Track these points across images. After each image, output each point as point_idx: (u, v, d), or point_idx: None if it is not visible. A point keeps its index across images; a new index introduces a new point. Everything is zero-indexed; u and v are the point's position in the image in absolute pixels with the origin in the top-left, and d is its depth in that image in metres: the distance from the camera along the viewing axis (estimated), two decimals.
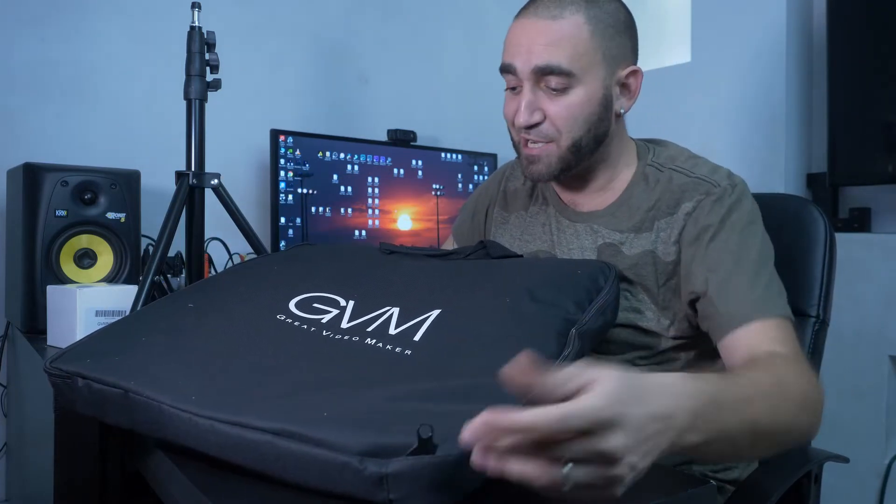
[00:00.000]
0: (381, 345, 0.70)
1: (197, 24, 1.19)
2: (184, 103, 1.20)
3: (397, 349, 0.68)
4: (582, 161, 0.96)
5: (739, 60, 1.89)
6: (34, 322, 1.24)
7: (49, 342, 1.14)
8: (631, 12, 0.97)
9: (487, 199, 1.18)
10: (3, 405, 1.55)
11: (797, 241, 1.07)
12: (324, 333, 0.73)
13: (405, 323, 0.73)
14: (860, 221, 1.73)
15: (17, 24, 1.57)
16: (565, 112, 0.92)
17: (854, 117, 1.67)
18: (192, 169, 1.19)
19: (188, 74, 1.19)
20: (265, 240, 1.64)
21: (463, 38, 2.28)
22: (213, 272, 1.70)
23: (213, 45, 1.20)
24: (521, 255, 0.91)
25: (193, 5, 1.19)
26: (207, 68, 1.19)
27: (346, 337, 0.72)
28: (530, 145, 0.95)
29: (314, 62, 1.99)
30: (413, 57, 2.18)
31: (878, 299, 1.60)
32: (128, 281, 1.31)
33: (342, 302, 0.79)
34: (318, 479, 0.56)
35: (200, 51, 1.18)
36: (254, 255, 1.45)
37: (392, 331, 0.72)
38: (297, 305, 0.79)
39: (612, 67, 0.94)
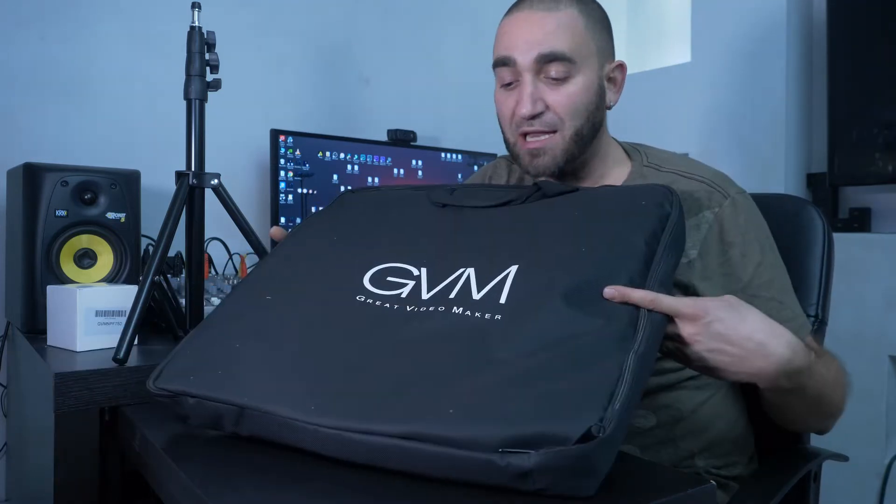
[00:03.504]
0: (469, 312, 0.68)
1: (197, 24, 1.19)
2: (184, 103, 1.20)
3: (486, 315, 0.67)
4: (583, 151, 0.97)
5: (739, 60, 1.89)
6: (34, 322, 1.24)
7: (49, 342, 1.14)
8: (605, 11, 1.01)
9: None
10: (3, 405, 1.55)
11: (796, 241, 1.08)
12: (408, 309, 0.71)
13: (486, 285, 0.70)
14: (860, 221, 1.73)
15: (17, 23, 1.57)
16: (567, 100, 0.93)
17: (854, 117, 1.67)
18: (192, 169, 1.19)
19: (188, 74, 1.19)
20: (265, 240, 1.64)
21: (463, 38, 2.28)
22: (213, 272, 1.70)
23: (213, 45, 1.20)
24: (576, 189, 0.85)
25: (193, 5, 1.19)
26: (207, 68, 1.19)
27: (430, 308, 0.70)
28: (531, 139, 0.95)
29: (314, 62, 1.99)
30: (413, 57, 2.18)
31: (877, 299, 1.60)
32: (128, 281, 1.31)
33: (415, 271, 0.75)
34: (457, 474, 0.58)
35: (200, 51, 1.18)
36: (254, 255, 1.45)
37: (476, 295, 0.69)
38: (372, 282, 0.76)
39: (601, 60, 0.96)
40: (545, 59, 0.92)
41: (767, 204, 1.01)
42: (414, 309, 0.71)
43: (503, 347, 0.63)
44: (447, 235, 0.80)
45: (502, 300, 0.68)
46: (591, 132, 0.96)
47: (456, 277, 0.72)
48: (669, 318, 0.70)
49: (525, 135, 0.95)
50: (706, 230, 0.93)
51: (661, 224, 0.75)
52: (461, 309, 0.68)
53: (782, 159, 1.81)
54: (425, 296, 0.72)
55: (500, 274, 0.71)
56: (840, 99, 1.69)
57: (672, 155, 1.03)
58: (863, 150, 1.66)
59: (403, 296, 0.73)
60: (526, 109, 0.93)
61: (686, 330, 0.71)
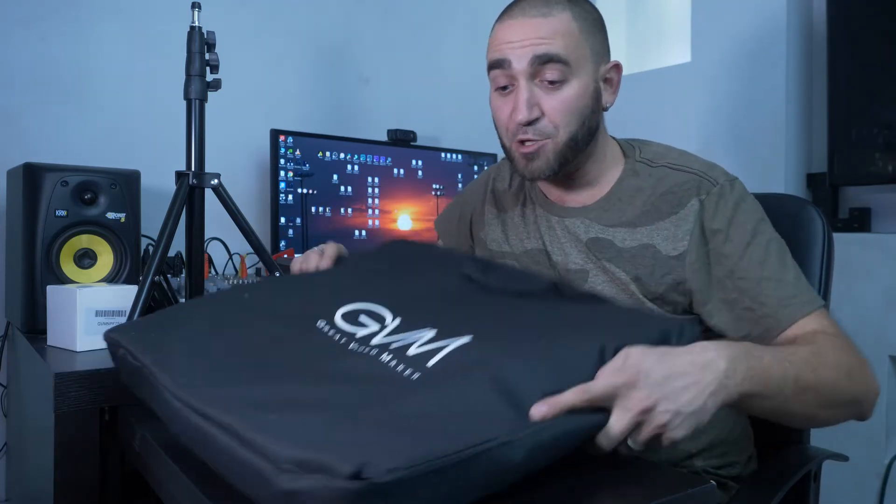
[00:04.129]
0: (393, 363, 0.68)
1: (197, 24, 1.19)
2: (184, 103, 1.20)
3: (407, 371, 0.66)
4: (578, 156, 0.96)
5: (739, 60, 1.89)
6: (34, 322, 1.24)
7: (49, 342, 1.14)
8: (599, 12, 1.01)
9: (474, 202, 1.19)
10: (3, 405, 1.55)
11: (795, 241, 1.07)
12: (349, 347, 0.72)
13: (429, 346, 0.70)
14: (860, 221, 1.73)
15: (17, 23, 1.57)
16: (562, 105, 0.93)
17: (854, 117, 1.67)
18: (192, 169, 1.19)
19: (188, 74, 1.19)
20: (265, 240, 1.64)
21: (463, 39, 2.28)
22: (212, 272, 1.70)
23: (213, 45, 1.20)
24: (598, 297, 0.82)
25: (193, 5, 1.19)
26: (207, 68, 1.19)
27: (367, 351, 0.71)
28: (526, 144, 0.95)
29: (314, 62, 1.99)
30: (413, 57, 2.18)
31: (877, 299, 1.60)
32: (128, 281, 1.31)
33: (388, 318, 0.77)
34: (238, 480, 0.56)
35: (200, 51, 1.18)
36: (253, 256, 1.45)
37: (412, 352, 0.69)
38: (344, 316, 0.79)
39: (597, 62, 0.96)
40: (540, 61, 0.91)
41: (768, 204, 1.01)
42: (355, 347, 0.72)
43: (395, 400, 0.61)
44: (447, 301, 0.83)
45: (430, 363, 0.67)
46: (586, 137, 0.96)
47: (414, 333, 0.73)
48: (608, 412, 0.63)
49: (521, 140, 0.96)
50: (693, 220, 0.92)
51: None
52: (390, 357, 0.69)
53: (782, 159, 1.80)
54: (375, 341, 0.73)
55: (448, 340, 0.70)
56: (840, 99, 1.69)
57: (668, 149, 1.02)
58: (863, 150, 1.66)
59: (358, 336, 0.75)
60: (522, 116, 0.92)
61: (634, 400, 0.63)
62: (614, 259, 0.96)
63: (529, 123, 0.93)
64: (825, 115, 1.72)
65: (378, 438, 0.54)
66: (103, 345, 1.08)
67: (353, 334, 0.75)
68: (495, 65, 0.95)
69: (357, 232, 1.87)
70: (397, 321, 0.76)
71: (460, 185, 2.05)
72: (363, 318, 0.78)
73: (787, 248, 0.93)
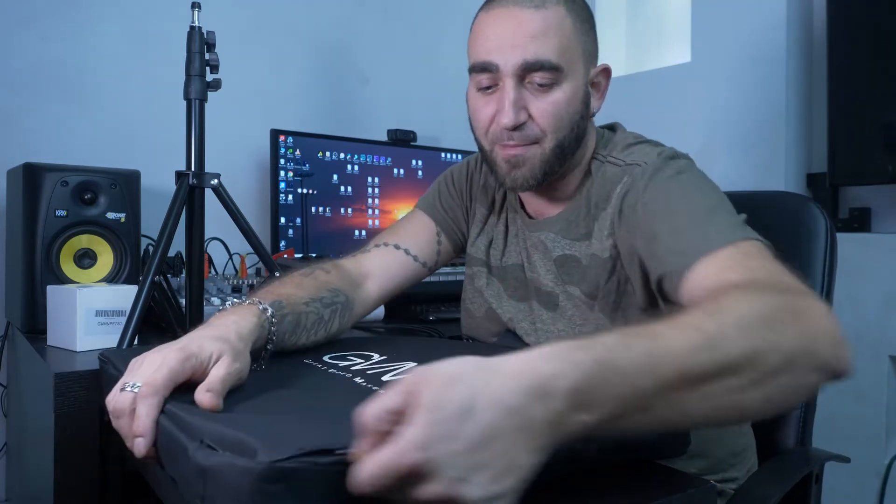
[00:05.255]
0: (364, 383, 0.69)
1: (197, 24, 1.19)
2: (184, 103, 1.20)
3: (374, 388, 0.67)
4: (563, 165, 0.89)
5: (739, 60, 1.89)
6: (34, 322, 1.24)
7: (49, 342, 1.14)
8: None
9: (469, 190, 1.11)
10: (3, 405, 1.55)
11: (797, 239, 1.07)
12: (329, 371, 0.74)
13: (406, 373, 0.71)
14: (860, 221, 1.73)
15: (17, 23, 1.57)
16: (551, 109, 0.85)
17: (854, 117, 1.67)
18: (192, 169, 1.19)
19: (188, 74, 1.19)
20: (265, 240, 1.64)
21: (463, 39, 2.26)
22: (212, 272, 1.70)
23: (213, 45, 1.20)
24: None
25: (193, 5, 1.19)
26: (207, 68, 1.19)
27: (343, 374, 0.73)
28: (509, 150, 0.87)
29: (314, 62, 1.99)
30: (413, 57, 2.17)
31: (877, 299, 1.60)
32: (128, 281, 1.31)
33: (376, 357, 0.79)
34: (169, 460, 0.57)
35: (200, 51, 1.18)
36: (253, 256, 1.45)
37: (386, 377, 0.70)
38: (332, 357, 0.80)
39: (587, 64, 0.89)
40: (530, 68, 0.84)
41: (769, 201, 1.00)
42: (334, 372, 0.74)
43: (352, 402, 0.58)
44: (434, 348, 0.85)
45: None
46: (573, 144, 0.88)
47: (395, 364, 0.75)
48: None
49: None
50: (613, 209, 0.85)
51: None
52: (363, 380, 0.70)
53: (782, 159, 1.80)
54: (355, 369, 0.75)
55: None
56: (840, 99, 1.69)
57: (622, 139, 0.93)
58: (863, 150, 1.66)
59: (340, 365, 0.76)
60: (508, 119, 0.84)
61: (408, 437, 0.42)
62: (576, 281, 0.89)
63: (515, 128, 0.85)
64: (825, 115, 1.72)
65: (313, 427, 0.53)
66: (103, 345, 1.08)
67: (337, 364, 0.77)
68: (480, 68, 0.87)
69: (357, 232, 1.87)
70: (382, 358, 0.78)
71: None
72: (350, 357, 0.79)
73: (719, 197, 0.79)
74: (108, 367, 0.76)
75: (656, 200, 0.79)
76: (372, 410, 0.44)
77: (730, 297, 0.58)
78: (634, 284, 0.84)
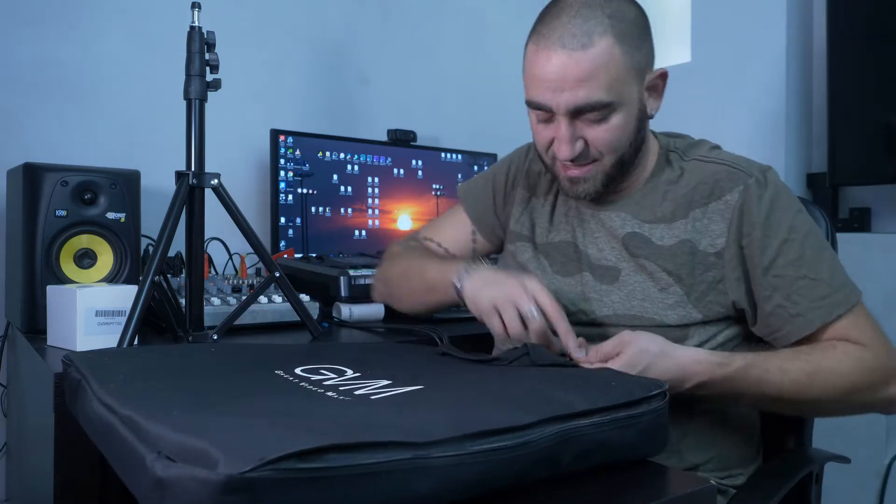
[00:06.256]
0: (336, 396, 0.66)
1: (197, 24, 1.19)
2: (184, 103, 1.19)
3: (347, 400, 0.65)
4: (625, 172, 0.96)
5: (739, 60, 1.89)
6: (34, 322, 1.24)
7: (49, 342, 1.14)
8: (642, 7, 0.96)
9: (511, 175, 1.15)
10: (3, 405, 1.55)
11: None
12: (301, 384, 0.72)
13: (378, 390, 0.68)
14: (860, 221, 1.73)
15: (17, 23, 1.57)
16: (608, 135, 0.91)
17: (854, 117, 1.67)
18: (192, 169, 1.19)
19: (188, 74, 1.18)
20: (265, 240, 1.64)
21: (463, 38, 2.28)
22: (212, 272, 1.70)
23: (213, 45, 1.20)
24: (572, 364, 0.82)
25: (193, 5, 1.19)
26: (207, 68, 1.19)
27: (315, 389, 0.70)
28: (570, 171, 0.94)
29: (314, 62, 1.99)
30: (413, 57, 2.17)
31: (877, 299, 1.59)
32: (128, 281, 1.31)
33: (349, 373, 0.77)
34: (125, 470, 0.54)
35: (200, 51, 1.18)
36: (253, 256, 1.45)
37: (359, 392, 0.68)
38: (305, 370, 0.78)
39: (642, 77, 0.92)
40: (581, 110, 0.88)
41: None
42: (306, 385, 0.71)
43: (324, 412, 0.60)
44: (411, 365, 0.84)
45: (373, 397, 0.66)
46: (632, 155, 0.95)
47: (368, 381, 0.72)
48: None
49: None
50: (730, 215, 0.91)
51: (614, 404, 0.65)
52: (335, 394, 0.67)
53: (782, 159, 1.81)
54: (328, 384, 0.72)
55: (400, 388, 0.69)
56: (840, 99, 1.69)
57: (702, 142, 1.03)
58: (863, 150, 1.66)
59: (312, 379, 0.74)
60: (566, 154, 0.90)
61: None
62: (652, 257, 0.94)
63: (574, 158, 0.92)
64: (825, 115, 1.72)
65: (281, 434, 0.50)
66: (103, 345, 1.08)
67: (309, 378, 0.74)
68: (535, 106, 0.92)
69: (357, 232, 1.87)
70: (356, 374, 0.76)
71: None
72: (323, 371, 0.77)
73: (824, 241, 0.93)
74: (72, 371, 0.74)
75: (776, 234, 0.90)
76: (598, 350, 0.83)
77: (838, 351, 0.88)
78: (730, 291, 0.92)
